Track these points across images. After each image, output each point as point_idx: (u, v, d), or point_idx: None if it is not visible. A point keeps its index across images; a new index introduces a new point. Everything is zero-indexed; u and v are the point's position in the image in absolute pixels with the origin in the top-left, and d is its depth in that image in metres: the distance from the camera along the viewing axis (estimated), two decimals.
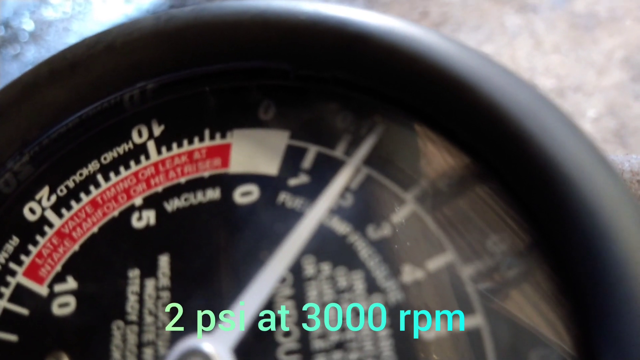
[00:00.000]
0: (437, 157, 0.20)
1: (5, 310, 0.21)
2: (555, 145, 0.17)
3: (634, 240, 0.15)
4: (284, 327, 0.19)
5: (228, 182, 0.22)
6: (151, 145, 0.23)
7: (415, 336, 0.18)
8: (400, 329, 0.18)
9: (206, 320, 0.19)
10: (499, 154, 0.18)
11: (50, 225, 0.22)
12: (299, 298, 0.19)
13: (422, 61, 0.18)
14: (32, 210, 0.23)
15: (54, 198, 0.23)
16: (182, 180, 0.22)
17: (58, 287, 0.21)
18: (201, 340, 0.18)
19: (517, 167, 0.18)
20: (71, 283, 0.21)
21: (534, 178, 0.17)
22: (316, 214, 0.20)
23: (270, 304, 0.19)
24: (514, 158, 0.18)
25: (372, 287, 0.19)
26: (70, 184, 0.23)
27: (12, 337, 0.21)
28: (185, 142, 0.23)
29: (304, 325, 0.19)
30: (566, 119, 0.17)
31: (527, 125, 0.17)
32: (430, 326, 0.18)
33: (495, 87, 0.17)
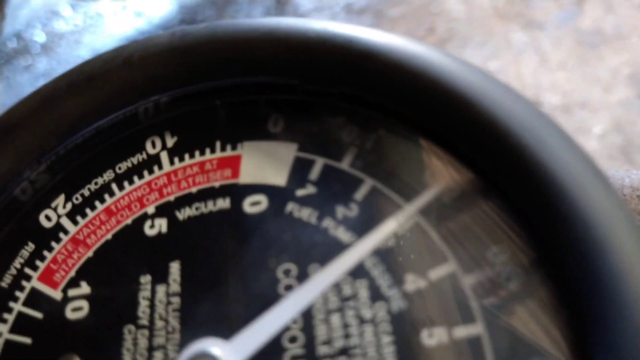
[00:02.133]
0: (441, 171, 0.21)
1: (20, 314, 0.22)
2: (553, 160, 0.17)
3: (629, 253, 0.16)
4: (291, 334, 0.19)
5: (238, 192, 0.22)
6: (164, 156, 0.24)
7: (417, 343, 0.18)
8: (403, 336, 0.19)
9: (217, 327, 0.20)
10: (499, 169, 0.19)
11: (66, 232, 0.23)
12: (305, 309, 0.20)
13: (425, 78, 0.19)
14: (47, 218, 0.24)
15: (69, 206, 0.24)
16: (194, 189, 0.23)
17: (72, 292, 0.22)
18: (212, 345, 0.19)
19: (516, 182, 0.19)
20: (85, 288, 0.22)
21: (533, 194, 0.18)
22: (359, 252, 0.20)
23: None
24: (514, 173, 0.19)
25: (376, 296, 0.19)
26: (86, 192, 0.24)
27: (26, 340, 0.22)
28: (197, 153, 0.24)
29: (310, 331, 0.19)
30: (566, 136, 0.17)
31: (527, 142, 0.17)
32: (432, 334, 0.18)
33: (496, 104, 0.18)
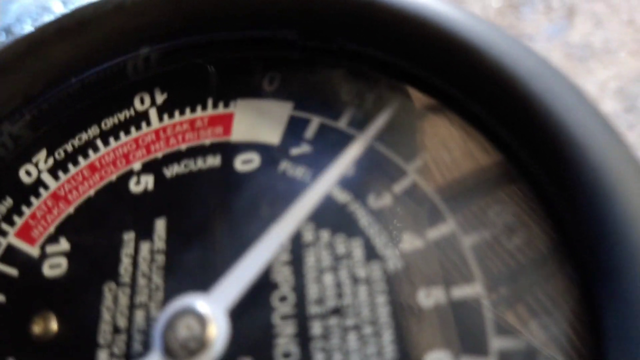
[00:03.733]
0: (441, 130, 0.20)
1: None
2: (567, 115, 0.16)
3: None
4: (281, 292, 0.18)
5: (229, 150, 0.21)
6: (153, 113, 0.23)
7: (414, 304, 0.17)
8: (399, 296, 0.18)
9: (202, 282, 0.19)
10: (506, 123, 0.18)
11: (46, 187, 0.22)
12: (296, 264, 0.19)
13: (432, 28, 0.18)
14: (28, 173, 0.23)
15: (51, 161, 0.23)
16: (183, 147, 0.22)
17: (50, 249, 0.21)
18: (194, 300, 0.18)
19: (525, 136, 0.18)
20: (64, 245, 0.21)
21: (542, 148, 0.17)
22: (322, 186, 0.19)
23: (266, 270, 0.19)
24: (523, 129, 0.18)
25: (371, 255, 0.18)
26: (69, 147, 0.23)
27: (0, 298, 0.20)
28: (187, 110, 0.23)
29: (300, 290, 0.18)
30: (581, 94, 0.17)
31: (536, 91, 0.17)
32: (429, 294, 0.18)
33: (503, 53, 0.17)
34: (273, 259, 0.19)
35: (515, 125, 0.18)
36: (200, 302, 0.18)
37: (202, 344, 0.17)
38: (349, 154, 0.20)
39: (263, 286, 0.18)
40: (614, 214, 0.15)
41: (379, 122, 0.20)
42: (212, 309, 0.18)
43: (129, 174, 0.22)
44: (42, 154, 0.23)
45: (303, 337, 0.18)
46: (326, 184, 0.19)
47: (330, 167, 0.20)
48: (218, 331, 0.17)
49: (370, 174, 0.20)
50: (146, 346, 0.18)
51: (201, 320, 0.18)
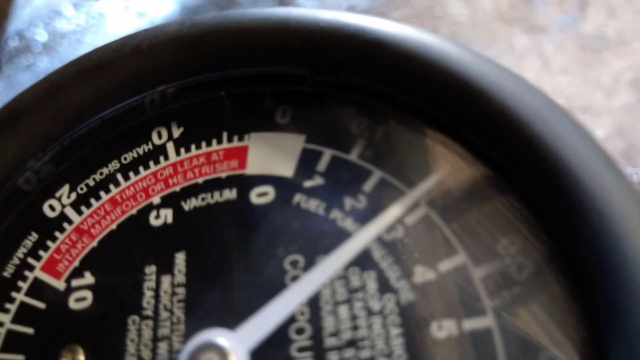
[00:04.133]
0: (450, 164, 0.20)
1: (22, 304, 0.22)
2: (566, 151, 0.17)
3: None
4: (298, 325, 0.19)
5: (245, 183, 0.22)
6: (170, 147, 0.24)
7: (427, 336, 0.18)
8: (412, 328, 0.18)
9: (222, 316, 0.19)
10: (511, 160, 0.19)
11: (70, 222, 0.23)
12: (312, 297, 0.19)
13: (436, 68, 0.19)
14: (51, 207, 0.23)
15: (74, 196, 0.24)
16: (200, 180, 0.23)
17: (75, 282, 0.22)
18: (218, 335, 0.19)
19: (528, 174, 0.18)
20: (88, 278, 0.22)
21: (546, 186, 0.18)
22: (362, 239, 0.20)
23: None
24: (526, 165, 0.18)
25: (385, 287, 0.19)
26: (91, 182, 0.24)
27: (29, 330, 0.21)
28: (203, 144, 0.23)
29: (317, 323, 0.19)
30: (578, 126, 0.17)
31: (539, 132, 0.17)
32: (442, 326, 0.18)
33: (508, 94, 0.18)
34: (276, 282, 0.19)
35: (520, 163, 0.19)
36: (223, 338, 0.19)
37: None
38: (393, 210, 0.20)
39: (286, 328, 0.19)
40: (608, 227, 0.16)
41: (431, 181, 0.20)
42: (235, 346, 0.18)
43: (149, 207, 0.23)
44: (65, 188, 0.24)
45: None
46: (367, 237, 0.20)
47: (374, 221, 0.20)
48: None
49: (382, 206, 0.20)
50: None
51: (222, 353, 0.18)
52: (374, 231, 0.20)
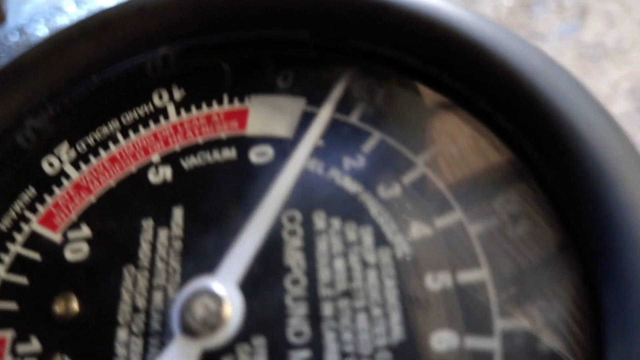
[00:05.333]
0: (450, 126, 0.21)
1: (18, 255, 0.22)
2: (571, 111, 0.17)
3: None
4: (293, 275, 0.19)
5: (244, 143, 0.22)
6: (171, 108, 0.24)
7: (421, 287, 0.18)
8: (406, 280, 0.18)
9: (214, 263, 0.20)
10: (512, 118, 0.19)
11: (68, 177, 0.23)
12: (308, 249, 0.20)
13: (440, 27, 0.19)
14: (50, 164, 0.24)
15: (73, 153, 0.24)
16: (200, 140, 0.23)
17: (72, 235, 0.22)
18: (207, 280, 0.19)
19: (532, 132, 0.19)
20: (85, 231, 0.22)
21: (547, 143, 0.18)
22: (297, 161, 0.21)
23: (279, 253, 0.20)
24: (529, 123, 0.19)
25: (381, 241, 0.19)
26: (90, 140, 0.24)
27: (23, 280, 0.21)
28: (204, 105, 0.24)
29: (312, 274, 0.19)
30: (568, 74, 0.18)
31: (542, 89, 0.18)
32: (436, 278, 0.18)
33: (511, 52, 0.18)
34: (284, 241, 0.20)
35: (522, 122, 0.19)
36: (215, 282, 0.19)
37: (218, 322, 0.18)
38: (314, 128, 0.21)
39: (276, 270, 0.19)
40: (616, 204, 0.16)
41: (336, 93, 0.22)
42: (225, 287, 0.19)
43: (148, 165, 0.23)
44: (64, 146, 0.24)
45: (314, 318, 0.18)
46: (300, 159, 0.21)
47: (301, 143, 0.21)
48: (233, 309, 0.18)
49: (380, 166, 0.21)
50: (164, 325, 0.19)
51: (217, 299, 0.18)
52: (310, 140, 0.21)
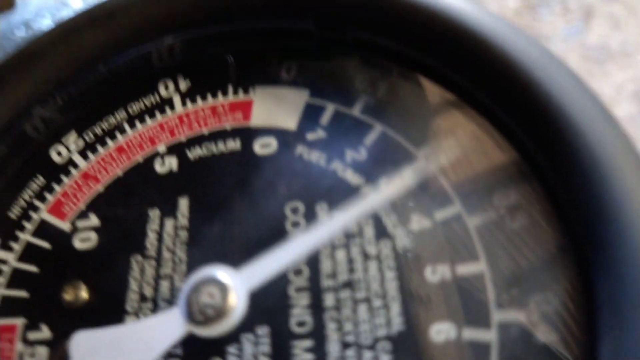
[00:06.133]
0: (452, 120, 0.21)
1: (28, 244, 0.22)
2: (566, 101, 0.18)
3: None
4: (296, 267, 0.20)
5: (248, 134, 0.23)
6: (177, 99, 0.24)
7: (421, 279, 0.19)
8: (406, 272, 0.19)
9: (223, 254, 0.20)
10: (515, 115, 0.19)
11: (76, 166, 0.24)
12: (315, 249, 0.20)
13: (444, 21, 0.19)
14: (59, 153, 0.24)
15: (81, 142, 0.24)
16: (205, 131, 0.23)
17: (80, 224, 0.22)
18: (218, 270, 0.19)
19: (531, 128, 0.19)
20: (94, 220, 0.22)
21: (545, 134, 0.18)
22: (373, 200, 0.20)
23: (283, 244, 0.20)
24: (530, 117, 0.19)
25: (382, 234, 0.20)
26: (98, 130, 0.24)
27: (33, 268, 0.22)
28: (209, 96, 0.24)
29: (314, 265, 0.19)
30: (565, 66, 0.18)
31: (540, 81, 0.18)
32: (435, 271, 0.19)
33: (512, 46, 0.18)
34: (288, 233, 0.20)
35: (523, 118, 0.19)
36: (224, 274, 0.19)
37: (222, 310, 0.19)
38: (406, 175, 0.20)
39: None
40: (612, 200, 0.17)
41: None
42: (236, 283, 0.19)
43: (155, 155, 0.23)
44: (72, 136, 0.24)
45: (317, 308, 0.19)
46: (379, 198, 0.20)
47: (386, 184, 0.20)
48: (237, 300, 0.19)
49: (382, 159, 0.21)
50: None
51: (222, 289, 0.19)
52: (385, 194, 0.20)
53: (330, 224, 0.20)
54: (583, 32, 0.39)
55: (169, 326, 0.19)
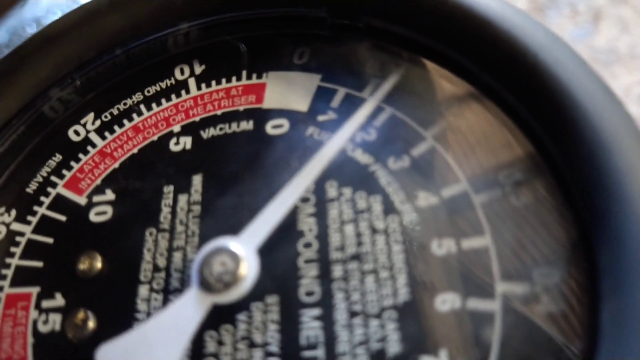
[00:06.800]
0: (459, 102, 0.22)
1: (44, 216, 0.23)
2: (568, 76, 0.18)
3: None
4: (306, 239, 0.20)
5: (261, 116, 0.23)
6: (192, 82, 0.25)
7: (427, 252, 0.19)
8: (413, 246, 0.19)
9: (235, 227, 0.21)
10: (522, 96, 0.20)
11: (93, 145, 0.24)
12: (320, 216, 0.21)
13: (460, 9, 0.20)
14: (76, 132, 0.25)
15: (98, 123, 0.25)
16: (219, 112, 0.24)
17: (96, 198, 0.23)
18: (227, 240, 0.20)
19: (535, 107, 0.20)
20: (109, 195, 0.23)
21: (550, 112, 0.19)
22: (338, 141, 0.22)
23: (293, 220, 0.21)
24: (535, 97, 0.20)
25: (389, 209, 0.20)
26: (115, 111, 0.25)
27: (49, 240, 0.22)
28: (223, 80, 0.25)
29: (324, 238, 0.20)
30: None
31: (547, 63, 0.19)
32: (441, 245, 0.19)
33: (520, 30, 0.19)
34: (298, 208, 0.21)
35: (529, 99, 0.20)
36: (233, 243, 0.20)
37: (234, 278, 0.19)
38: (360, 114, 0.22)
39: (290, 234, 0.20)
40: (613, 172, 0.17)
41: (387, 85, 0.22)
42: (244, 249, 0.20)
43: (169, 135, 0.24)
44: (90, 116, 0.25)
45: (325, 279, 0.19)
46: (341, 139, 0.22)
47: (345, 126, 0.22)
48: (249, 268, 0.19)
49: (391, 139, 0.22)
50: (183, 283, 0.20)
51: (234, 257, 0.19)
52: (344, 135, 0.22)
53: (309, 169, 0.21)
54: (591, 34, 0.40)
55: (190, 306, 0.19)
